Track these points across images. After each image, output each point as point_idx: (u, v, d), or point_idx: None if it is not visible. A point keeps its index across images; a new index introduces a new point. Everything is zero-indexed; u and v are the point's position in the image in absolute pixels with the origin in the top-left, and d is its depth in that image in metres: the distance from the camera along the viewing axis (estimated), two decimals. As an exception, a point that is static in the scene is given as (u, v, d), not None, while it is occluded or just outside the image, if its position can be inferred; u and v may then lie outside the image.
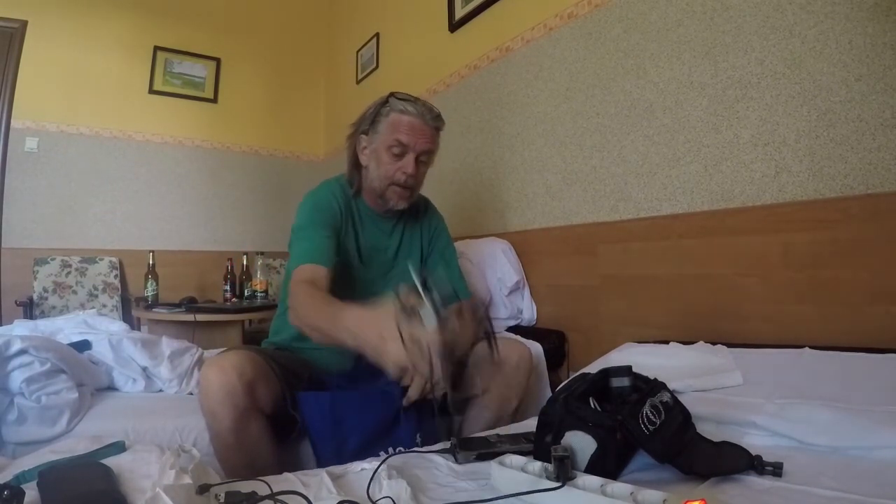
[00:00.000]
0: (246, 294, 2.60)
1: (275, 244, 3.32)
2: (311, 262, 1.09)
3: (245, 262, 2.74)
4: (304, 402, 1.00)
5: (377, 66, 3.20)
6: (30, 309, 2.76)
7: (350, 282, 1.22)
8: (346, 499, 0.59)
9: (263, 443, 1.00)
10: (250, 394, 0.96)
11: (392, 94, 1.19)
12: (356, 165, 1.24)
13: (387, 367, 0.80)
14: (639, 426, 0.61)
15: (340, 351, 1.24)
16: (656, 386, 0.70)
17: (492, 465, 0.66)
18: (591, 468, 0.61)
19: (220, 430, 0.95)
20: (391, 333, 0.79)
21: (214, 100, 3.57)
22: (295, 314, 1.03)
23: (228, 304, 2.58)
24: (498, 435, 0.82)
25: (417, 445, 0.92)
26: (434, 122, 1.19)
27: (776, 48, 1.24)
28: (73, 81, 3.08)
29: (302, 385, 1.08)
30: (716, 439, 0.68)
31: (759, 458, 0.64)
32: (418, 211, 1.36)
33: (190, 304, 2.33)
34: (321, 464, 0.91)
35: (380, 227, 1.28)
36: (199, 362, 1.39)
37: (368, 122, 1.20)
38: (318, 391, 1.03)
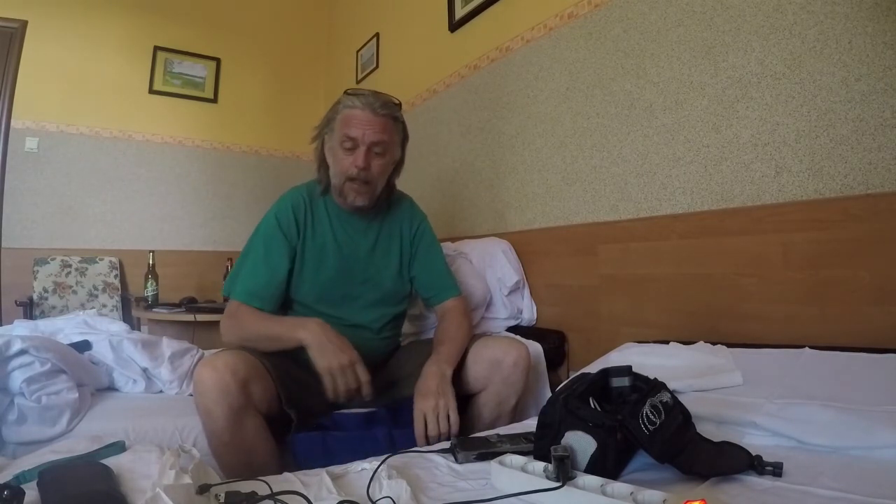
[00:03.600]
0: (246, 294, 2.59)
1: (275, 244, 3.32)
2: (256, 303, 1.17)
3: (245, 262, 2.73)
4: (298, 443, 1.01)
5: (377, 66, 3.19)
6: (30, 309, 2.76)
7: (325, 282, 1.23)
8: (346, 499, 0.59)
9: (259, 441, 1.00)
10: (244, 392, 0.96)
11: (346, 91, 1.19)
12: (325, 166, 1.25)
13: (318, 366, 1.05)
14: (639, 426, 0.61)
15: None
16: (656, 386, 0.70)
17: (492, 465, 0.66)
18: (591, 468, 0.61)
19: (216, 428, 0.96)
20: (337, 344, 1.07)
21: (214, 100, 3.57)
22: (240, 327, 1.13)
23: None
24: (498, 435, 0.82)
25: None
26: (383, 110, 1.16)
27: (776, 48, 1.24)
28: (73, 81, 3.08)
29: (294, 392, 1.09)
30: (716, 439, 0.68)
31: (759, 458, 0.64)
32: (398, 209, 1.35)
33: (190, 304, 2.34)
34: None
35: (352, 226, 1.27)
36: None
37: (326, 122, 1.22)
38: (310, 431, 1.05)
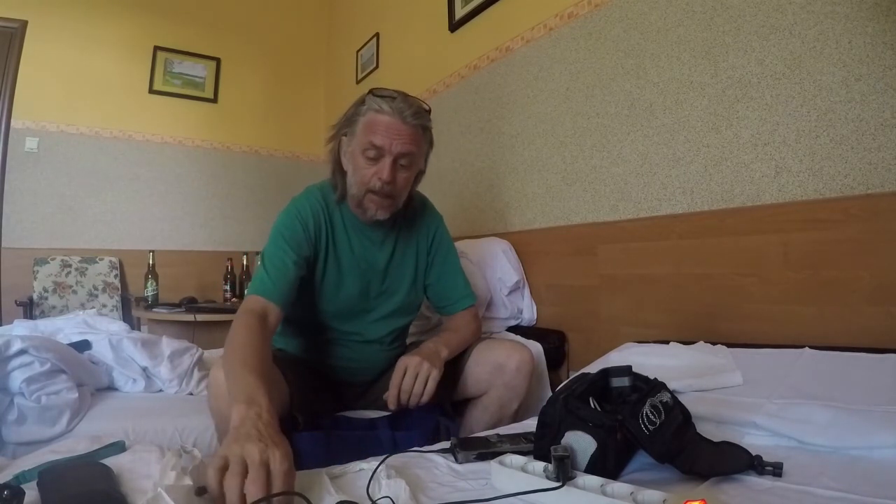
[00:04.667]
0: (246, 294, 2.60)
1: (275, 244, 3.33)
2: (265, 296, 1.02)
3: (245, 262, 2.75)
4: (302, 442, 0.99)
5: (377, 66, 3.20)
6: (30, 309, 2.76)
7: (345, 299, 1.18)
8: (345, 499, 0.59)
9: None
10: None
11: (371, 91, 1.08)
12: (340, 171, 1.14)
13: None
14: (639, 426, 0.61)
15: (354, 368, 1.24)
16: (656, 386, 0.70)
17: (492, 465, 0.66)
18: (591, 468, 0.61)
19: (229, 430, 0.95)
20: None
21: (214, 100, 3.57)
22: (228, 342, 0.92)
23: (228, 303, 2.58)
24: (498, 435, 0.82)
25: None
26: (414, 119, 1.05)
27: (776, 48, 1.24)
28: (73, 81, 3.08)
29: (305, 396, 1.08)
30: (716, 439, 0.68)
31: (759, 458, 0.64)
32: (414, 216, 1.26)
33: (190, 304, 2.34)
34: None
35: (369, 238, 1.18)
36: (199, 362, 1.39)
37: (347, 123, 1.11)
38: (314, 430, 1.03)
